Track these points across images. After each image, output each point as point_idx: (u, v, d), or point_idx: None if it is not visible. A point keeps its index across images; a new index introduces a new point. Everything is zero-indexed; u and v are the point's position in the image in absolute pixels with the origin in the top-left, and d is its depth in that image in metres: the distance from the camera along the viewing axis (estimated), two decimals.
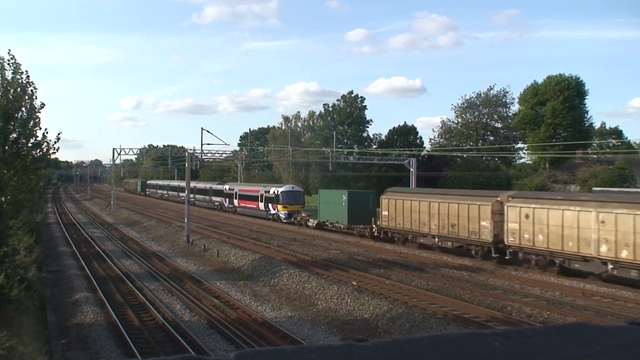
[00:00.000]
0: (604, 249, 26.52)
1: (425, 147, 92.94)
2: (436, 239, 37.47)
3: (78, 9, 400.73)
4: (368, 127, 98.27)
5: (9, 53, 21.92)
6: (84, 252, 40.41)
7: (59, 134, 24.18)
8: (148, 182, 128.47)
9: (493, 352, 1.50)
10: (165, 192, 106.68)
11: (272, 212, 59.95)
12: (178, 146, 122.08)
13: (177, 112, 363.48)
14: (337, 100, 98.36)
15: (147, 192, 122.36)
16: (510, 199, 32.59)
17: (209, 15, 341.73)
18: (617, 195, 33.02)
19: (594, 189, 49.76)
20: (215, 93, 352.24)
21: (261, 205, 62.13)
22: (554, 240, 28.99)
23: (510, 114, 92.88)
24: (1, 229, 21.17)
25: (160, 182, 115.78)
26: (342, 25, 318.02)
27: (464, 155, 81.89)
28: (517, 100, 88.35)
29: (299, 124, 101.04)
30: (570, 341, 1.58)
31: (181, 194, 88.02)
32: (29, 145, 22.56)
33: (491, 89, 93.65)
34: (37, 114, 22.59)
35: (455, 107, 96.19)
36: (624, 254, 25.66)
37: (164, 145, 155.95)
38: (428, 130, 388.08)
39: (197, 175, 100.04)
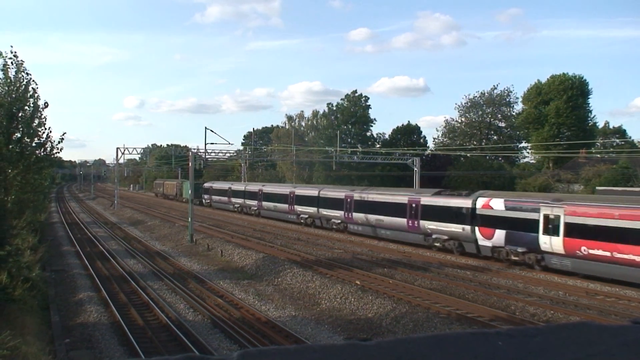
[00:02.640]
0: None
1: (428, 147, 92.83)
2: None
3: (83, 9, 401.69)
4: (372, 126, 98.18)
5: (11, 51, 21.92)
6: (88, 252, 40.43)
7: (63, 134, 24.17)
8: (207, 184, 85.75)
9: (496, 351, 1.50)
10: (254, 202, 66.67)
11: None
12: (182, 145, 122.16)
13: (180, 112, 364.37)
14: (341, 99, 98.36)
15: (207, 200, 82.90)
16: None
17: (212, 15, 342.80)
18: None
19: (597, 188, 49.62)
20: (218, 92, 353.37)
21: None
22: None
23: (513, 114, 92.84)
24: (5, 229, 21.20)
25: (238, 186, 73.56)
26: (345, 25, 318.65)
27: (468, 155, 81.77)
28: (520, 99, 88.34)
29: (303, 123, 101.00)
30: (574, 340, 1.58)
31: (296, 210, 56.38)
32: (33, 144, 22.58)
33: (495, 88, 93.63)
34: (41, 113, 22.61)
35: (459, 106, 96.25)
36: None
37: (167, 145, 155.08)
38: (431, 129, 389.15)
39: (201, 174, 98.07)
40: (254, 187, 69.05)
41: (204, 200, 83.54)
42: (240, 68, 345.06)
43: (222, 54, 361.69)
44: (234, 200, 72.05)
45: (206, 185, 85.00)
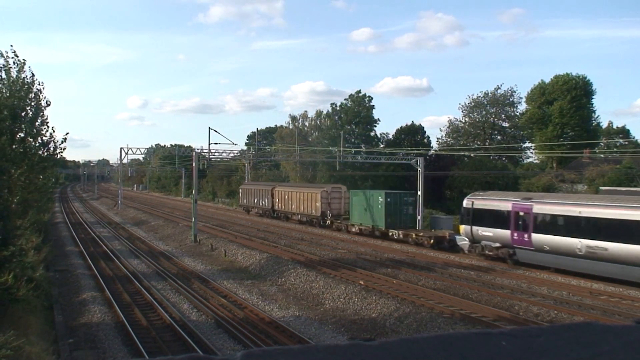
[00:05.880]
0: None
1: (432, 147, 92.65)
2: None
3: (87, 8, 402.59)
4: (375, 126, 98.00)
5: (12, 51, 21.91)
6: (91, 252, 40.51)
7: (66, 134, 24.20)
8: (483, 201, 34.49)
9: (500, 351, 1.50)
10: None
11: None
12: (185, 145, 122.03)
13: (184, 112, 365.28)
14: (345, 99, 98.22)
15: (481, 242, 34.18)
16: None
17: (215, 15, 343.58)
18: None
19: (601, 188, 49.51)
20: (222, 92, 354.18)
21: None
22: None
23: (517, 114, 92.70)
24: (9, 229, 21.23)
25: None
26: (348, 25, 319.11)
27: (472, 155, 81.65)
28: (524, 99, 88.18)
29: (306, 124, 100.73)
30: (578, 341, 1.58)
31: None
32: (36, 144, 22.59)
33: (498, 88, 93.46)
34: (44, 112, 22.60)
35: (463, 106, 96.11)
36: None
37: (171, 145, 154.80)
38: (435, 129, 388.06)
39: (205, 175, 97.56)
40: None
41: (464, 245, 36.16)
42: (244, 68, 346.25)
43: (225, 54, 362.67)
44: None
45: (481, 202, 34.85)
